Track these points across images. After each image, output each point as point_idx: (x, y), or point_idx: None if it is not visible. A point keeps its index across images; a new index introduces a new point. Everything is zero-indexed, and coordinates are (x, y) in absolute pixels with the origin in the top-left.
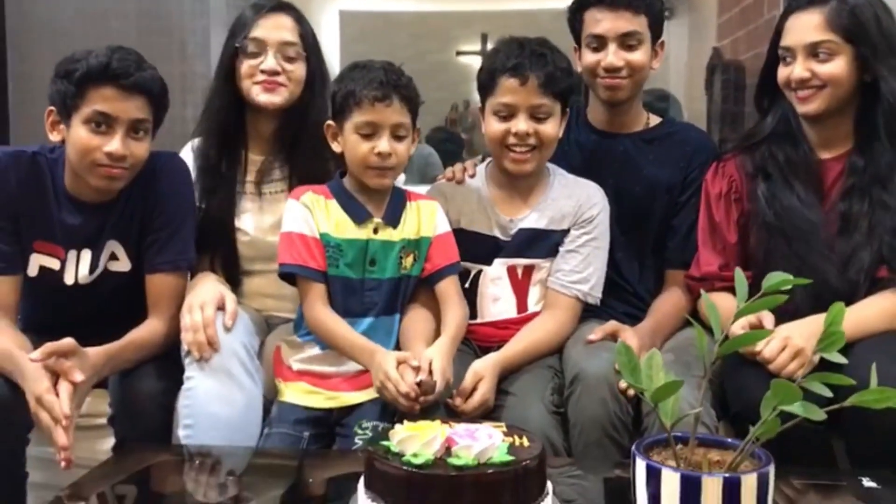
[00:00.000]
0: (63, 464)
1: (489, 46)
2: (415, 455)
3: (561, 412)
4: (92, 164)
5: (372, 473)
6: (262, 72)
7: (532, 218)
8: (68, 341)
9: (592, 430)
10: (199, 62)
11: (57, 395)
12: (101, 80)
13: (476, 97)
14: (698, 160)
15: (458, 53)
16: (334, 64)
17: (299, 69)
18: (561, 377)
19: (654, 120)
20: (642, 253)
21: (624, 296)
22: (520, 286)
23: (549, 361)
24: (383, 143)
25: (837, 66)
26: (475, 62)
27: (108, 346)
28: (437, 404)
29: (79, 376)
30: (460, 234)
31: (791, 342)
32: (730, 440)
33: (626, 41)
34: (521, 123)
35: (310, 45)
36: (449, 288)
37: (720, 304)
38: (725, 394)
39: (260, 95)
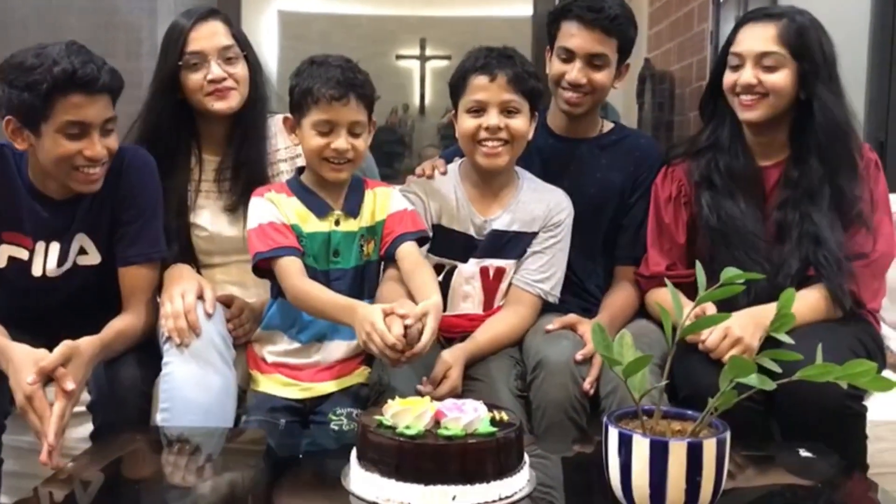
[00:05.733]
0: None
1: (428, 52)
2: (407, 427)
3: (524, 396)
4: (72, 168)
5: (365, 445)
6: (210, 82)
7: (504, 219)
8: (61, 352)
9: (554, 412)
10: (151, 60)
11: (47, 392)
12: (67, 89)
13: (416, 100)
14: (646, 164)
15: (399, 57)
16: (273, 64)
17: (242, 69)
18: (522, 365)
19: (608, 126)
20: (593, 252)
21: (576, 291)
22: (490, 286)
23: (510, 352)
24: (340, 141)
25: (781, 78)
26: (415, 66)
27: (101, 337)
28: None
29: (70, 385)
30: (439, 231)
31: (731, 332)
32: (689, 412)
33: (593, 60)
34: (492, 118)
35: (243, 43)
36: (411, 251)
37: (667, 299)
38: (674, 379)
39: (216, 104)
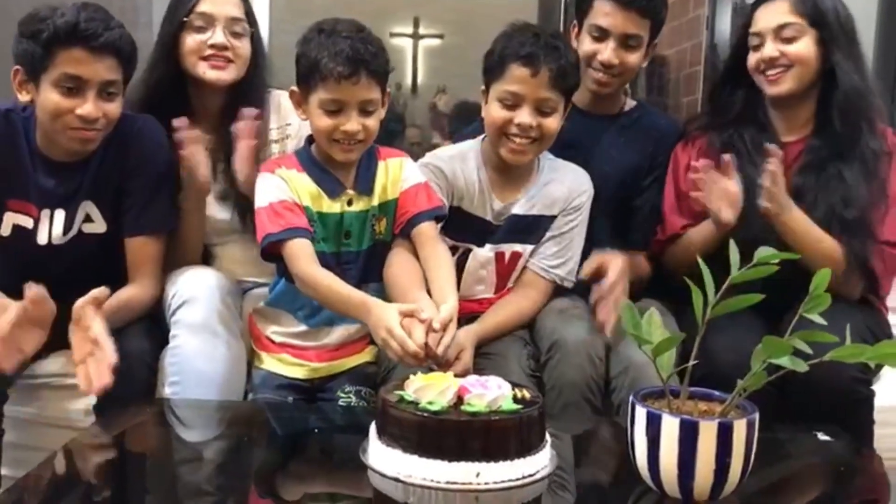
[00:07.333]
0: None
1: (421, 30)
2: (430, 402)
3: (536, 377)
4: (64, 126)
5: (386, 420)
6: (211, 46)
7: (524, 204)
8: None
9: (570, 393)
10: (145, 32)
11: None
12: (69, 41)
13: (408, 79)
14: (665, 145)
15: (392, 35)
16: (264, 37)
17: (245, 46)
18: (532, 346)
19: (630, 104)
20: (603, 233)
21: None
22: (504, 270)
23: (520, 333)
24: (351, 123)
25: (803, 47)
26: (408, 45)
27: (105, 305)
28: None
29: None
30: (457, 214)
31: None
32: (716, 393)
33: (628, 42)
34: (525, 115)
35: (253, 20)
36: (428, 233)
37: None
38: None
39: (208, 72)
